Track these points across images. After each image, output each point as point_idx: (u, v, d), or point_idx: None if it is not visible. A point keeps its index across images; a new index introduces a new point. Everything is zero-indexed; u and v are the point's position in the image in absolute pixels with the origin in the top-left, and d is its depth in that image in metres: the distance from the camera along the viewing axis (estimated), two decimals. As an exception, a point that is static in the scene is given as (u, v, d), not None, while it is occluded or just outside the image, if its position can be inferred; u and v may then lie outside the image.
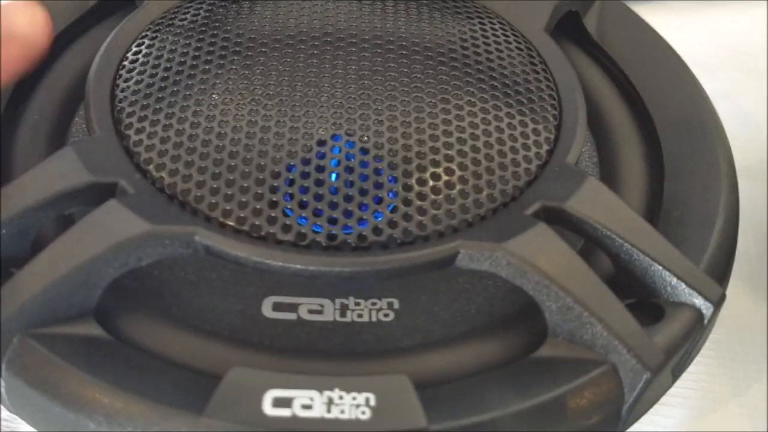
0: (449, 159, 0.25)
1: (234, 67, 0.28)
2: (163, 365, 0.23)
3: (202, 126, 0.26)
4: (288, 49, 0.28)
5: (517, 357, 0.24)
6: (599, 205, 0.25)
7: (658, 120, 0.30)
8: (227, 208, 0.24)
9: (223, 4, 0.31)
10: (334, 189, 0.24)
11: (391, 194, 0.24)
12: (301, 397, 0.21)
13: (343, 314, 0.25)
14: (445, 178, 0.25)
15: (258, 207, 0.24)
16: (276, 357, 0.24)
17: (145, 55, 0.28)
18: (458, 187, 0.25)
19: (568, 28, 0.33)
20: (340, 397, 0.21)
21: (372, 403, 0.21)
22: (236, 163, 0.25)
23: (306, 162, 0.25)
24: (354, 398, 0.21)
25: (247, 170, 0.25)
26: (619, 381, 0.22)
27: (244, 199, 0.24)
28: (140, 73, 0.28)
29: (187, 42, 0.29)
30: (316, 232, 0.24)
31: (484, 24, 0.31)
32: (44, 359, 0.21)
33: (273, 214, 0.24)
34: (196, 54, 0.28)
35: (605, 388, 0.22)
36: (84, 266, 0.22)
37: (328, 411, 0.21)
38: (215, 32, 0.29)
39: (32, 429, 0.23)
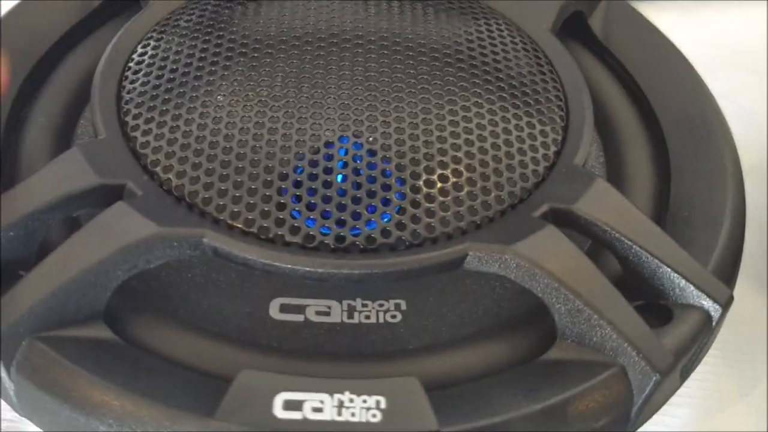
0: (457, 160, 0.25)
1: (240, 68, 0.28)
2: (172, 367, 0.23)
3: (209, 128, 0.26)
4: (294, 51, 0.28)
5: (524, 359, 0.24)
6: (607, 207, 0.25)
7: (663, 120, 0.30)
8: (235, 210, 0.24)
9: (228, 5, 0.30)
10: (342, 191, 0.24)
11: (399, 196, 0.24)
12: (311, 400, 0.21)
13: (350, 316, 0.25)
14: (453, 179, 0.25)
15: (266, 209, 0.24)
16: (284, 359, 0.24)
17: (150, 57, 0.28)
18: (466, 188, 0.25)
19: (573, 28, 0.33)
20: (351, 400, 0.21)
21: (382, 405, 0.21)
22: (244, 165, 0.25)
23: (314, 164, 0.25)
24: (364, 401, 0.21)
25: (254, 172, 0.24)
26: (628, 383, 0.22)
27: (252, 201, 0.24)
28: (146, 74, 0.28)
29: (193, 43, 0.29)
30: (325, 234, 0.24)
31: (490, 25, 0.31)
32: (54, 362, 0.21)
33: (281, 216, 0.24)
34: (202, 55, 0.28)
35: (614, 391, 0.22)
36: (93, 269, 0.22)
37: (339, 414, 0.21)
38: (221, 33, 0.29)
39: (36, 430, 0.23)
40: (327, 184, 0.24)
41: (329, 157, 0.25)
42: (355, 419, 0.21)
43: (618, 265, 0.25)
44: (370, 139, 0.25)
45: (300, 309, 0.25)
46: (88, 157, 0.25)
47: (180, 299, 0.25)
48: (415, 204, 0.24)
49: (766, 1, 0.46)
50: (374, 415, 0.21)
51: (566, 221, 0.25)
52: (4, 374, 0.22)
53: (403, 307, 0.25)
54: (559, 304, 0.23)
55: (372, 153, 0.25)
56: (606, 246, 0.25)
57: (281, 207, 0.24)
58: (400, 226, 0.24)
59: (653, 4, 0.39)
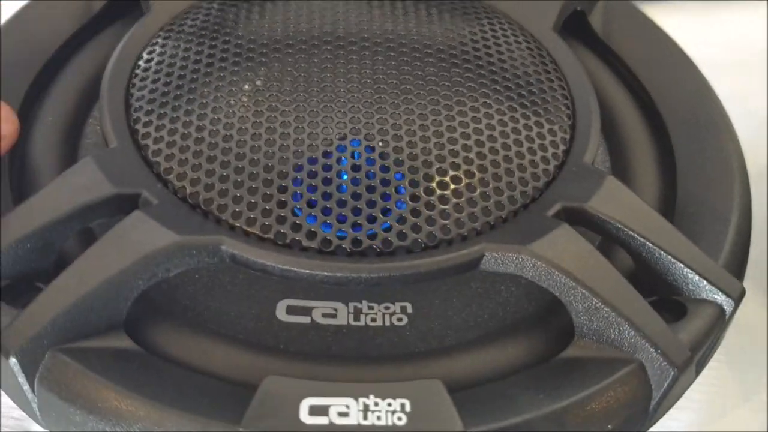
0: (469, 161, 0.25)
1: (248, 72, 0.28)
2: (194, 375, 0.23)
3: (220, 133, 0.26)
4: (301, 54, 0.28)
5: (541, 358, 0.24)
6: (620, 204, 0.25)
7: (668, 119, 0.30)
8: (251, 216, 0.24)
9: (233, 7, 0.30)
10: (356, 194, 0.24)
11: (413, 199, 0.25)
12: (337, 404, 0.21)
13: (356, 318, 0.25)
14: (465, 180, 0.25)
15: (282, 214, 0.24)
16: (304, 363, 0.24)
17: (157, 62, 0.28)
18: (479, 189, 0.25)
19: (572, 26, 0.33)
20: (376, 404, 0.21)
21: (407, 408, 0.21)
22: (257, 170, 0.25)
23: (327, 168, 0.25)
24: (389, 404, 0.21)
25: (268, 177, 0.24)
26: (647, 379, 0.23)
27: (267, 207, 0.24)
28: (154, 80, 0.27)
29: (200, 48, 0.28)
30: (341, 239, 0.24)
31: (494, 25, 0.31)
32: (78, 373, 0.21)
33: (297, 222, 0.24)
34: (209, 60, 0.28)
35: (633, 387, 0.23)
36: (114, 279, 0.22)
37: (365, 418, 0.21)
38: (227, 37, 0.29)
39: (41, 430, 0.23)
40: (341, 188, 0.25)
41: (343, 162, 0.25)
42: (381, 423, 0.21)
43: (629, 261, 0.26)
44: (382, 142, 0.26)
45: (306, 311, 0.25)
46: (102, 167, 0.25)
47: (190, 305, 0.25)
48: (430, 206, 0.24)
49: (766, 1, 0.46)
50: (399, 418, 0.21)
51: (579, 219, 0.25)
52: (26, 388, 0.22)
53: (409, 309, 0.25)
54: (576, 303, 0.23)
55: (384, 156, 0.25)
56: (619, 243, 0.25)
57: (297, 212, 0.24)
58: (416, 228, 0.24)
59: (655, 3, 0.39)
